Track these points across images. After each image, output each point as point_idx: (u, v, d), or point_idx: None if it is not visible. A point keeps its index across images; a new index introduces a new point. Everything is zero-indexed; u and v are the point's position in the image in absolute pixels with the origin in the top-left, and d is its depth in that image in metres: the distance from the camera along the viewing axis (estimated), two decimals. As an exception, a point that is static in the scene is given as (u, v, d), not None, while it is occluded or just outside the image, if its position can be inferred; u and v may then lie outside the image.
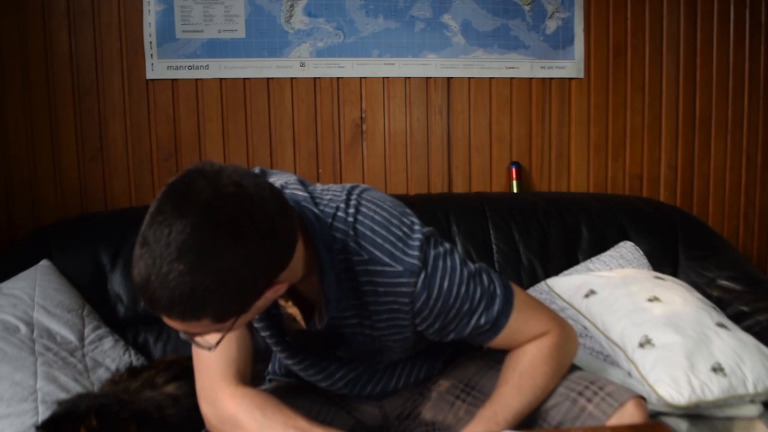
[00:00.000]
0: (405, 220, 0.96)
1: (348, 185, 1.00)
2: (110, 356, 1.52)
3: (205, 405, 0.98)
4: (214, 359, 0.97)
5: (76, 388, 1.34)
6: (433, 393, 1.16)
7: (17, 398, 1.27)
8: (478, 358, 1.20)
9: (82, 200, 1.95)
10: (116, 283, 1.68)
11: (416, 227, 0.96)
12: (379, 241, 0.93)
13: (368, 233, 0.93)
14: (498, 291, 0.99)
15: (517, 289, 1.03)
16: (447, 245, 0.98)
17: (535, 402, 1.00)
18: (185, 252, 0.72)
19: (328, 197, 0.96)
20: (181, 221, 0.73)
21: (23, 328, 1.44)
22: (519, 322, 1.00)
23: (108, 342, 1.55)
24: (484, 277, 0.98)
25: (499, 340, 1.02)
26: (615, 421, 0.95)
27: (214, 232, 0.73)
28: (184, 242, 0.72)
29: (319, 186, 1.01)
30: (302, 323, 0.97)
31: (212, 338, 0.84)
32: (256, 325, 1.04)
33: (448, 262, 0.95)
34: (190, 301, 0.73)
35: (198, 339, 0.83)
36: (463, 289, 0.94)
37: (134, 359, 1.56)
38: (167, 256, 0.72)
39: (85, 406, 1.06)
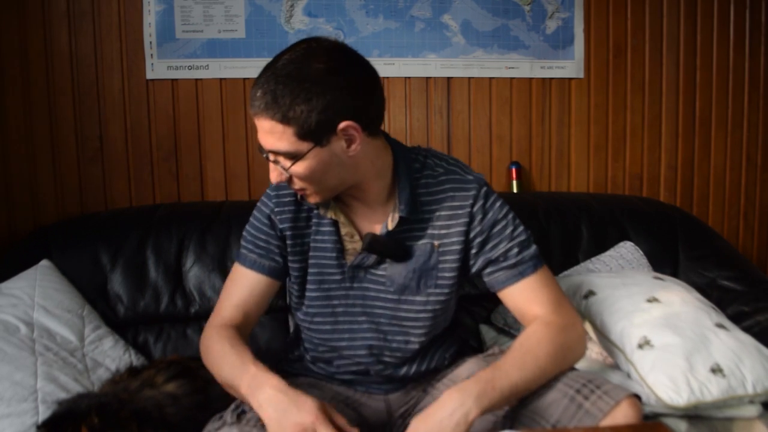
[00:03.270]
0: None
1: None
2: (110, 356, 1.52)
3: (206, 325, 1.18)
4: (234, 298, 1.18)
5: (76, 388, 1.34)
6: (436, 391, 1.20)
7: (17, 398, 1.27)
8: (481, 359, 1.23)
9: (82, 200, 1.95)
10: (116, 283, 1.67)
11: None
12: (452, 164, 1.19)
13: (442, 161, 1.19)
14: (534, 245, 1.16)
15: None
16: None
17: (533, 382, 1.03)
18: (293, 58, 1.01)
19: None
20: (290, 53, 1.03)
21: (23, 328, 1.44)
22: (543, 283, 1.13)
23: (108, 342, 1.55)
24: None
25: (521, 290, 1.13)
26: (609, 419, 0.97)
27: (317, 54, 1.01)
28: (292, 58, 1.01)
29: None
30: (360, 240, 1.16)
31: (281, 173, 1.06)
32: (315, 245, 1.18)
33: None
34: (287, 90, 0.98)
35: (273, 164, 1.05)
36: (510, 215, 1.16)
37: (134, 359, 1.56)
38: (279, 58, 1.02)
39: (85, 405, 1.07)
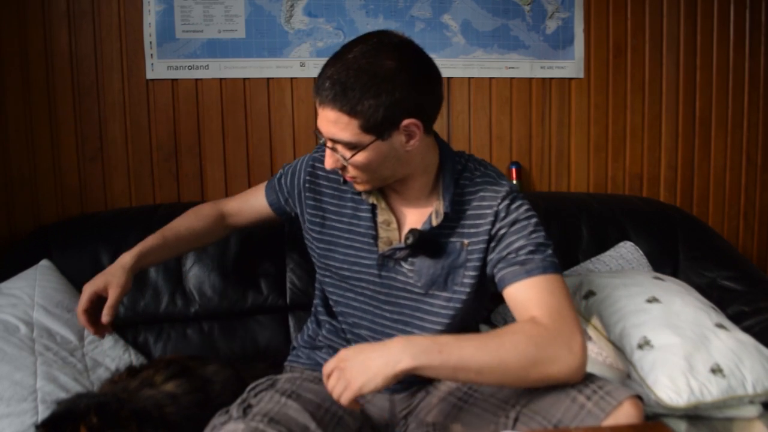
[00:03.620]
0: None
1: None
2: (110, 356, 1.52)
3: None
4: (242, 198, 1.47)
5: (75, 388, 1.34)
6: (438, 392, 1.22)
7: (17, 398, 1.27)
8: None
9: (82, 200, 1.95)
10: (116, 283, 1.67)
11: None
12: (490, 169, 1.24)
13: (480, 165, 1.25)
14: (550, 250, 1.14)
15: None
16: None
17: (488, 368, 0.98)
18: (365, 51, 1.05)
19: None
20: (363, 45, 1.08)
21: (23, 328, 1.44)
22: (549, 288, 1.09)
23: (108, 342, 1.55)
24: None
25: (524, 288, 1.09)
26: (611, 419, 0.96)
27: (388, 50, 1.05)
28: (364, 51, 1.05)
29: None
30: (396, 229, 1.22)
31: (338, 160, 1.12)
32: (349, 227, 1.24)
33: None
34: (359, 84, 1.02)
35: (330, 150, 1.10)
36: (533, 219, 1.16)
37: (134, 359, 1.57)
38: (350, 49, 1.07)
39: (84, 405, 1.06)
